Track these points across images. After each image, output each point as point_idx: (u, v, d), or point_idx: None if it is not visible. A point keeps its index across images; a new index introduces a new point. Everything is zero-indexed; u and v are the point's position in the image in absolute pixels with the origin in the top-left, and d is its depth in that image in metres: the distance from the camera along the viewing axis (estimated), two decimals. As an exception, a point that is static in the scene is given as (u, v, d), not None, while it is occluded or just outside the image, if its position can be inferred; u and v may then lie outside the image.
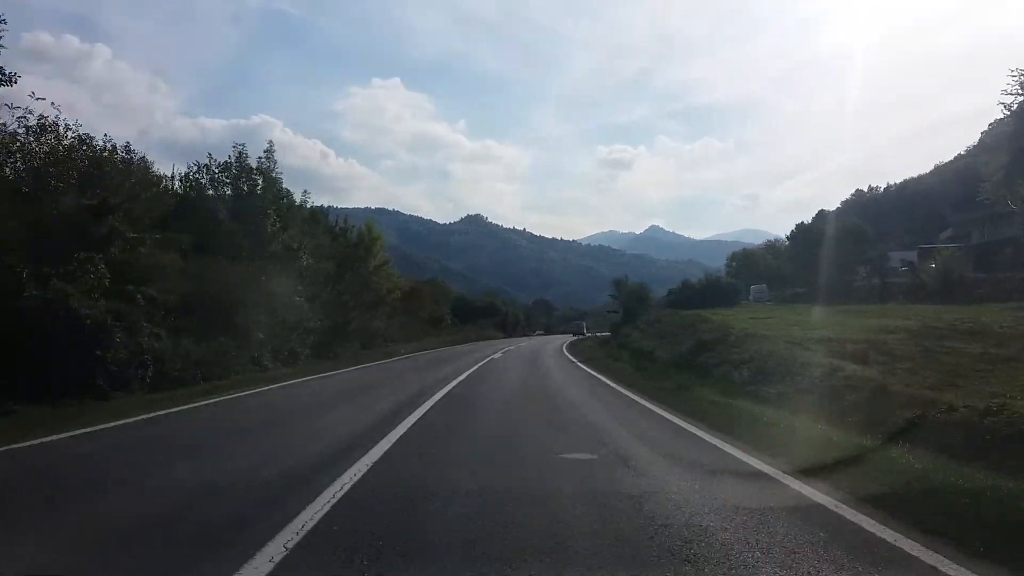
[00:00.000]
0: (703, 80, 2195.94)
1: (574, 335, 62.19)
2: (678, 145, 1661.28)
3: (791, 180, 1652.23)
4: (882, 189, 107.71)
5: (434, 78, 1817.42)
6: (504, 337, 54.75)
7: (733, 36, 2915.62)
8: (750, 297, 41.85)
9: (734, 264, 62.13)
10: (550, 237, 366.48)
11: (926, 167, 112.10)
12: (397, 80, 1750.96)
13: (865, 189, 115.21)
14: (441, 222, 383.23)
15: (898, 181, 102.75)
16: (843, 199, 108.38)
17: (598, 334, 74.35)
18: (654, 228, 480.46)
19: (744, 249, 65.00)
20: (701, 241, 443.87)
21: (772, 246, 63.48)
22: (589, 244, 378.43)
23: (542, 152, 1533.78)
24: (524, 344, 42.77)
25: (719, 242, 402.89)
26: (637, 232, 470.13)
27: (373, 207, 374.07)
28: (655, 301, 43.83)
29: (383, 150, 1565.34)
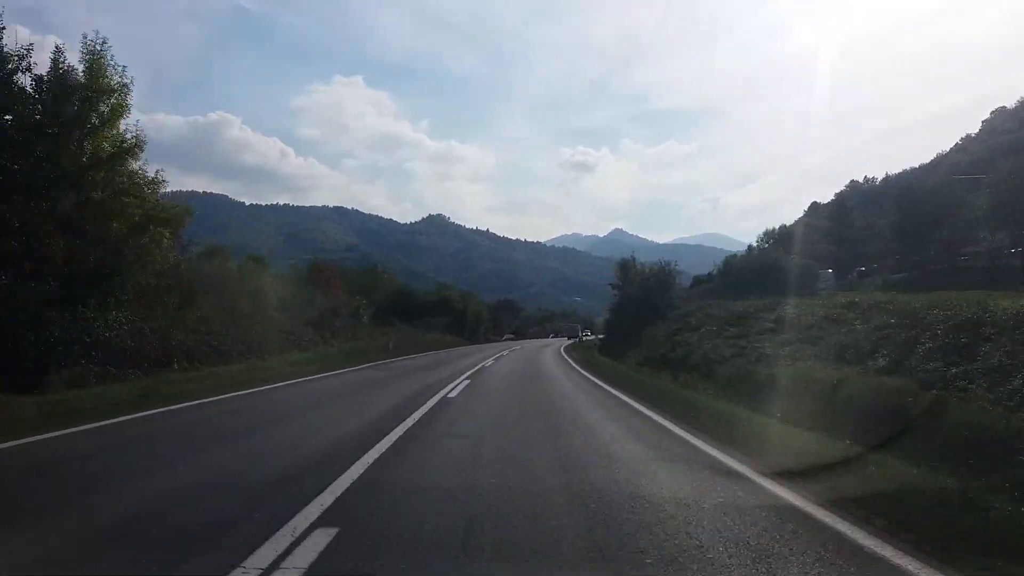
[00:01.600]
0: (666, 84, 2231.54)
1: (569, 338, 56.34)
2: (641, 148, 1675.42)
3: (751, 184, 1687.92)
4: (879, 180, 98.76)
5: (397, 77, 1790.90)
6: (464, 343, 41.33)
7: (696, 41, 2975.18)
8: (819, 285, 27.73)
9: (770, 243, 48.17)
10: (514, 238, 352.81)
11: (893, 168, 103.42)
12: (359, 78, 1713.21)
13: (861, 180, 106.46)
14: (402, 222, 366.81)
15: (896, 171, 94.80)
16: (837, 191, 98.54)
17: (585, 337, 60.95)
18: (617, 231, 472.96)
19: (783, 225, 51.29)
20: (664, 244, 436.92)
21: (810, 223, 49.96)
22: (554, 246, 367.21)
23: (506, 153, 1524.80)
24: (515, 368, 22.01)
25: (682, 245, 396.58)
26: (600, 235, 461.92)
27: (331, 205, 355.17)
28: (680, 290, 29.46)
29: (344, 148, 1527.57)
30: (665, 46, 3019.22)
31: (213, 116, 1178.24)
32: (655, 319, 26.16)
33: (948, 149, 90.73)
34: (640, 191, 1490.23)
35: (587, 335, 53.84)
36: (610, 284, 35.74)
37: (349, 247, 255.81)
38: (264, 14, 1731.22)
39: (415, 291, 47.76)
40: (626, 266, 32.69)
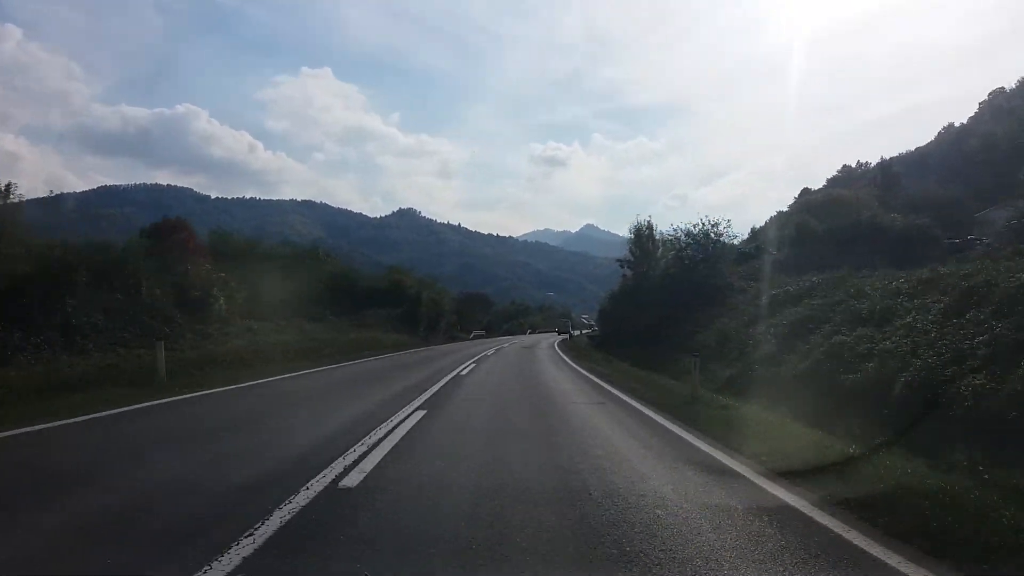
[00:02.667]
0: (635, 81, 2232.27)
1: (559, 333, 54.45)
2: (612, 144, 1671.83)
3: (718, 181, 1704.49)
4: (872, 164, 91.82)
5: (366, 70, 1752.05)
6: (417, 345, 30.41)
7: (663, 39, 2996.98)
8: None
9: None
10: (485, 233, 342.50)
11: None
12: (328, 70, 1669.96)
13: (853, 165, 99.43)
14: (372, 216, 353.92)
15: (891, 155, 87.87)
16: (829, 176, 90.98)
17: (574, 333, 52.40)
18: (589, 226, 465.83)
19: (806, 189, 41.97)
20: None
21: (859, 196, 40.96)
22: (526, 241, 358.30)
23: (477, 148, 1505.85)
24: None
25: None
26: (572, 231, 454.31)
27: (300, 199, 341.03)
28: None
29: (313, 142, 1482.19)
30: (633, 44, 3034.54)
31: (180, 108, 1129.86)
32: (696, 308, 16.66)
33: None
34: (611, 187, 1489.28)
35: (578, 331, 48.16)
36: (619, 261, 26.40)
37: (316, 240, 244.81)
38: (231, 6, 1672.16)
39: (358, 275, 37.43)
40: (642, 235, 23.16)
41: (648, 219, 24.99)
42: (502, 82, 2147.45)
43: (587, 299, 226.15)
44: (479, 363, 18.36)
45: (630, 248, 25.59)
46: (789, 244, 21.77)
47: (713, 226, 20.43)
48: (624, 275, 28.24)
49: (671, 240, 21.62)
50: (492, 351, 24.37)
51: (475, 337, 51.95)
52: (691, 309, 17.13)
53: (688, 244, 20.48)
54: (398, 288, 35.95)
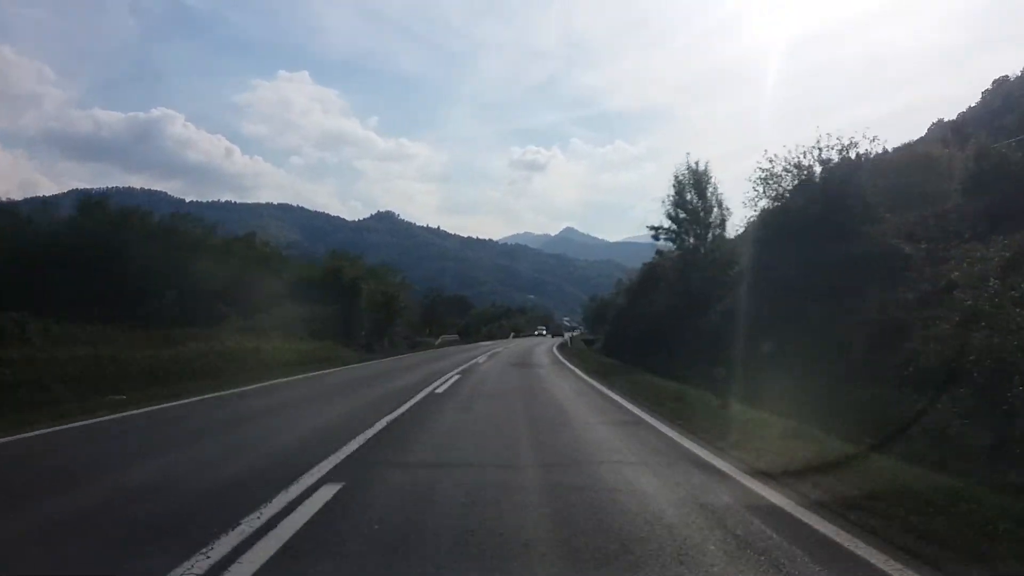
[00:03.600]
0: (612, 86, 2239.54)
1: (552, 336, 53.25)
2: (591, 148, 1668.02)
3: None
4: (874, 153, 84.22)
5: (344, 74, 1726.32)
6: (331, 363, 17.60)
7: (640, 44, 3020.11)
8: None
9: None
10: (465, 236, 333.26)
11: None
12: (306, 74, 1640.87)
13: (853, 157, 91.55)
14: (350, 219, 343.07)
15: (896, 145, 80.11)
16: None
17: (569, 336, 43.84)
18: (569, 230, 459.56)
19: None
20: (615, 243, 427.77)
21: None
22: (505, 244, 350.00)
23: (456, 152, 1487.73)
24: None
25: (633, 244, 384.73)
26: (552, 234, 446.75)
27: (276, 203, 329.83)
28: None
29: (291, 146, 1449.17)
30: (610, 49, 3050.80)
31: (155, 112, 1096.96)
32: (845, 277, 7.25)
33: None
34: (590, 191, 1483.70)
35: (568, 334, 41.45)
36: (654, 232, 17.14)
37: (291, 244, 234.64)
38: (206, 9, 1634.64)
39: (284, 264, 27.29)
40: (698, 182, 13.72)
41: (699, 163, 15.95)
42: (480, 86, 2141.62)
43: (567, 301, 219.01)
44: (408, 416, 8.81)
45: (669, 212, 16.55)
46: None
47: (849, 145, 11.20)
48: (656, 255, 19.24)
49: (788, 170, 12.22)
50: (455, 374, 13.80)
51: (443, 344, 40.72)
52: (828, 279, 8.25)
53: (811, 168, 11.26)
54: (334, 273, 26.31)
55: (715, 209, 16.86)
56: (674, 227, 17.99)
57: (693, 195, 16.89)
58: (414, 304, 45.21)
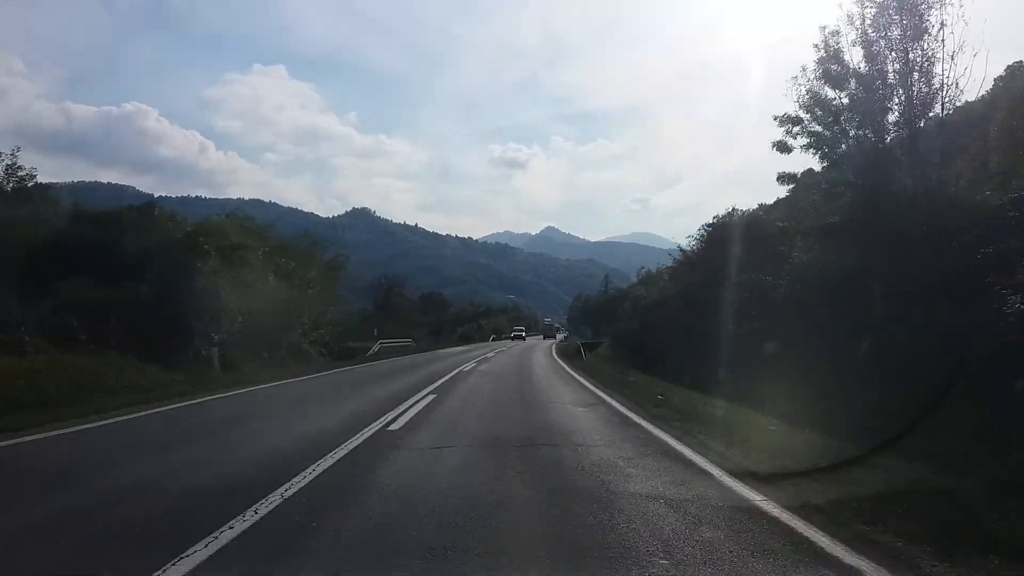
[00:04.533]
0: (593, 84, 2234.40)
1: (545, 337, 54.03)
2: (572, 147, 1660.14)
3: (679, 184, 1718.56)
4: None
5: (322, 69, 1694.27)
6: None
7: (620, 43, 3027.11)
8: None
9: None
10: (444, 234, 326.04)
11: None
12: (282, 68, 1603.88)
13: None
14: (324, 216, 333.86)
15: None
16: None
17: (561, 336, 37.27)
18: (550, 229, 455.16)
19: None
20: (596, 243, 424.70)
21: None
22: (486, 242, 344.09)
23: (436, 150, 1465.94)
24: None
25: (615, 243, 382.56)
26: (533, 233, 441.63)
27: (247, 198, 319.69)
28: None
29: (266, 141, 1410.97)
30: (590, 47, 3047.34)
31: (128, 107, 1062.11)
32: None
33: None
34: (571, 191, 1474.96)
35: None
36: (779, 142, 10.22)
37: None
38: (180, 2, 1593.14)
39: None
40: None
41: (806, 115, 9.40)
42: (460, 84, 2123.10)
43: (549, 302, 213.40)
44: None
45: (808, 97, 9.52)
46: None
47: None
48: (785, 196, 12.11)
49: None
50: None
51: (371, 357, 27.48)
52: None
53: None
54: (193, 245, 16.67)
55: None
56: (822, 123, 10.83)
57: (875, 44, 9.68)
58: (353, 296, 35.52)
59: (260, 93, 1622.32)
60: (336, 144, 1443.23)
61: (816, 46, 10.27)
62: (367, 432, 7.31)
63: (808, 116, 10.57)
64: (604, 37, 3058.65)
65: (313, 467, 5.47)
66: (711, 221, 19.35)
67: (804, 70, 10.49)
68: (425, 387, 12.61)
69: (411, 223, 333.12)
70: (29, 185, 18.43)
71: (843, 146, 10.71)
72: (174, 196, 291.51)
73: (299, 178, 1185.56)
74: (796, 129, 10.70)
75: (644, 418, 8.69)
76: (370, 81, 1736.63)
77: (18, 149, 18.47)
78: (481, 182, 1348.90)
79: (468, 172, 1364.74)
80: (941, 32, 9.00)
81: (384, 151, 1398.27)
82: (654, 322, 21.96)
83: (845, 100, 10.31)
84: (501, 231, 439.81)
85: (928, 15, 9.20)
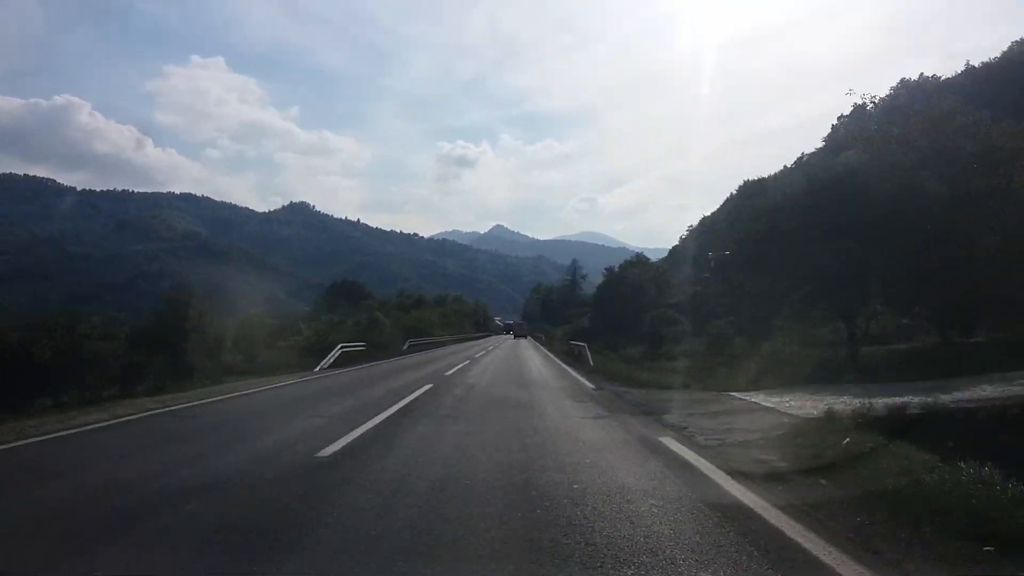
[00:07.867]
0: (541, 85, 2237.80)
1: (515, 337, 51.97)
2: (520, 146, 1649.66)
3: (625, 186, 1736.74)
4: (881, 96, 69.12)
5: (264, 63, 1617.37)
6: None
7: (569, 44, 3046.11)
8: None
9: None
10: (388, 230, 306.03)
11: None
12: (220, 60, 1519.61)
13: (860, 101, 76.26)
14: (260, 211, 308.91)
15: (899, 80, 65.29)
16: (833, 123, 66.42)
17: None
18: (499, 227, 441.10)
19: None
20: (546, 241, 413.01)
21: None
22: (432, 239, 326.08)
23: (383, 148, 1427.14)
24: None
25: (564, 242, 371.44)
26: (481, 231, 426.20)
27: (178, 192, 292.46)
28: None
29: (206, 137, 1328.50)
30: (538, 49, 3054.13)
31: (58, 100, 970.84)
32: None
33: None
34: (520, 191, 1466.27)
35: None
36: None
37: (188, 235, 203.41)
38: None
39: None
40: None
41: None
42: (408, 83, 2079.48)
43: (499, 299, 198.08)
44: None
45: None
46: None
47: None
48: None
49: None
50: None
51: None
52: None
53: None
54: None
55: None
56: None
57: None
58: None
59: (199, 86, 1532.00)
60: (279, 140, 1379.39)
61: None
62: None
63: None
64: (553, 39, 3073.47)
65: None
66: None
67: None
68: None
69: (353, 218, 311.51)
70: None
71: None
72: (99, 190, 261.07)
73: (242, 175, 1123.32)
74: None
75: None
76: (313, 77, 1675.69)
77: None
78: (429, 181, 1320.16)
79: (416, 171, 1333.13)
80: None
81: (329, 148, 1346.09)
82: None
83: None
84: (449, 230, 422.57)
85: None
